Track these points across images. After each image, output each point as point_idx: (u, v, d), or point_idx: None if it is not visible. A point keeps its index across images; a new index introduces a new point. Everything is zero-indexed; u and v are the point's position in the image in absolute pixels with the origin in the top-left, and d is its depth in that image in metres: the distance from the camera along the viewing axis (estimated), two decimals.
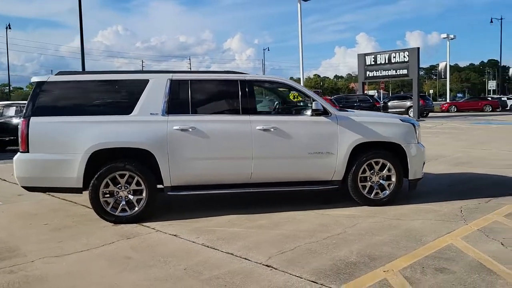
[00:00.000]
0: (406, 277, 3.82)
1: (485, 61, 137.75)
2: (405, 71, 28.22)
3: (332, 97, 31.88)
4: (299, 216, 5.90)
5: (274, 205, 6.39)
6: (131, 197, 5.71)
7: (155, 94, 5.80)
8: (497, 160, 10.52)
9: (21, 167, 5.58)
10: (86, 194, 5.80)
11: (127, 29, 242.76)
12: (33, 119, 5.54)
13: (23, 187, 5.74)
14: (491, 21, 61.54)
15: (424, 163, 6.67)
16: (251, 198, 6.79)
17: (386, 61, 28.66)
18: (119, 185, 5.68)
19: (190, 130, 5.74)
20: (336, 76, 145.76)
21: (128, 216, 5.68)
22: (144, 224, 5.63)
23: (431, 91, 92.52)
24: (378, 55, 29.23)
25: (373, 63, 29.34)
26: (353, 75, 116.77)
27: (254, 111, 6.07)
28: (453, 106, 39.79)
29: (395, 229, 5.21)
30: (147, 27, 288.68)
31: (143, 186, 5.68)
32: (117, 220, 5.66)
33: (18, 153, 5.62)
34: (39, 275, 4.06)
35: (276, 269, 4.09)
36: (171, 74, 5.98)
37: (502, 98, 44.40)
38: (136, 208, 5.70)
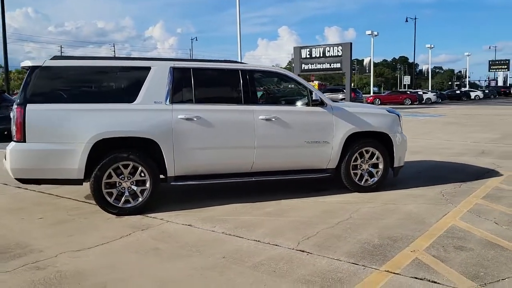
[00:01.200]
0: (434, 256, 4.14)
1: (397, 57, 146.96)
2: (338, 65, 29.35)
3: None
4: (298, 203, 6.08)
5: (270, 193, 6.51)
6: (134, 187, 5.55)
7: (158, 82, 5.65)
8: (443, 149, 11.44)
9: (16, 158, 5.19)
10: (60, 186, 5.53)
11: (38, 12, 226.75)
12: (29, 106, 5.17)
13: (17, 179, 5.34)
14: (406, 20, 65.70)
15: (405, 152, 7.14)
16: (247, 186, 6.87)
17: (321, 55, 29.64)
18: (122, 175, 5.49)
19: (195, 119, 5.68)
20: None
21: (131, 208, 5.51)
22: (149, 215, 5.50)
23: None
24: (313, 49, 30.13)
25: (308, 56, 30.19)
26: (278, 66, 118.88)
27: (256, 101, 6.14)
28: (378, 99, 42.21)
29: (396, 213, 5.57)
30: (61, 10, 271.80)
31: (147, 177, 5.54)
32: (120, 212, 5.48)
33: (13, 143, 5.22)
34: (73, 270, 3.86)
35: (311, 253, 4.23)
36: (172, 62, 5.86)
37: (419, 92, 47.88)
38: (140, 199, 5.55)
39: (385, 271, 3.81)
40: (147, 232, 4.88)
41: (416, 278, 3.66)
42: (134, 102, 5.54)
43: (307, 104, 6.30)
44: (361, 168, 6.63)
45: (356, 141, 6.51)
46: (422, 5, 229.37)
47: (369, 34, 44.37)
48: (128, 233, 4.84)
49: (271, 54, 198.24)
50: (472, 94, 57.14)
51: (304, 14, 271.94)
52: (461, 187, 6.97)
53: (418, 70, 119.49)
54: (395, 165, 6.82)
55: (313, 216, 5.48)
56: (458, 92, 59.30)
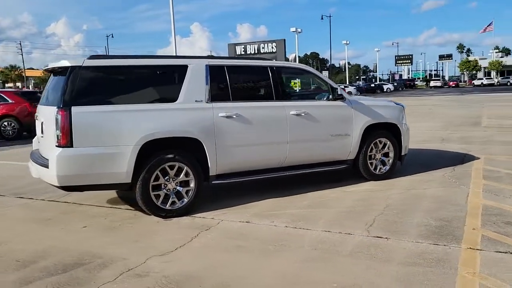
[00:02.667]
0: (496, 232, 4.58)
1: (308, 53, 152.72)
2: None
3: None
4: (329, 194, 6.31)
5: (294, 187, 6.64)
6: (179, 188, 5.43)
7: (196, 80, 5.56)
8: (414, 136, 12.29)
9: (64, 164, 4.84)
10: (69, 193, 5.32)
11: None
12: (75, 109, 4.85)
13: (62, 187, 4.98)
14: (322, 18, 68.60)
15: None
16: (271, 181, 6.93)
17: (256, 52, 30.13)
18: (167, 177, 5.35)
19: (234, 117, 5.68)
20: None
21: (178, 209, 5.39)
22: (195, 215, 5.42)
23: None
24: (248, 46, 30.54)
25: (243, 53, 30.54)
26: None
27: (286, 97, 6.26)
28: None
29: (425, 197, 5.99)
30: None
31: (191, 177, 5.45)
32: (168, 214, 5.34)
33: (58, 149, 4.85)
34: (178, 273, 3.76)
35: (389, 238, 4.48)
36: (206, 59, 5.79)
37: (341, 87, 50.34)
38: (186, 200, 5.45)
39: (469, 248, 4.16)
40: (213, 232, 4.82)
41: (499, 252, 4.05)
42: (177, 102, 5.42)
43: (331, 99, 6.54)
44: (375, 158, 7.02)
45: (371, 132, 6.87)
46: (328, 3, 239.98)
47: (293, 31, 45.80)
48: (195, 234, 4.75)
49: (185, 51, 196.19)
50: (385, 87, 61.25)
51: (215, 10, 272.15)
52: (456, 170, 7.64)
53: (329, 65, 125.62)
54: (402, 154, 7.30)
55: (352, 205, 5.73)
56: (372, 85, 63.23)
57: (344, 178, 7.10)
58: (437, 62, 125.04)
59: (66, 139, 4.81)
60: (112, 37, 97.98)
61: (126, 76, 5.33)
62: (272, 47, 29.83)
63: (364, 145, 6.81)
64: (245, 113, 5.76)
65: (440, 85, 78.25)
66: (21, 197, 6.64)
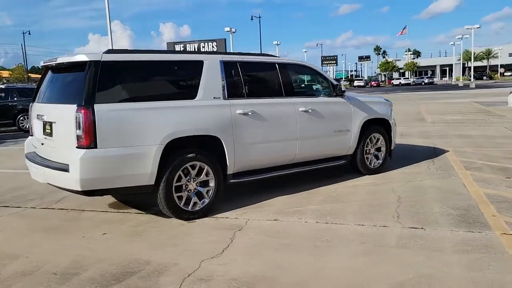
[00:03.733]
0: None
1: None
2: None
3: None
4: (336, 189, 6.40)
5: (301, 183, 6.64)
6: (200, 189, 5.22)
7: (212, 76, 5.38)
8: None
9: (88, 167, 4.45)
10: (64, 199, 4.99)
11: None
12: (97, 107, 4.48)
13: (83, 191, 4.56)
14: (252, 19, 69.14)
15: None
16: (273, 179, 6.85)
17: (196, 50, 29.68)
18: (188, 177, 5.13)
19: (250, 114, 5.57)
20: None
21: (199, 210, 5.19)
22: (217, 216, 5.25)
23: None
24: (188, 44, 30.07)
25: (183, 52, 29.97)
26: None
27: (294, 93, 6.24)
28: None
29: (427, 188, 6.26)
30: None
31: (211, 176, 5.26)
32: (191, 216, 5.12)
33: (81, 150, 4.45)
34: (243, 274, 3.62)
35: (424, 229, 4.62)
36: (220, 55, 5.61)
37: None
38: (207, 201, 5.25)
39: (503, 233, 4.42)
40: (248, 232, 4.69)
41: None
42: (196, 99, 5.21)
43: (332, 95, 6.63)
44: (370, 153, 7.22)
45: (367, 128, 7.06)
46: (251, 4, 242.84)
47: (227, 31, 45.68)
48: (231, 235, 4.59)
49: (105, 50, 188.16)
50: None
51: (136, 9, 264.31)
52: (436, 163, 8.06)
53: None
54: (391, 148, 7.59)
55: (365, 199, 5.83)
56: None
57: (338, 173, 7.22)
58: (356, 63, 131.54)
59: (90, 139, 4.43)
60: (29, 34, 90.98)
61: (145, 72, 5.02)
62: (213, 46, 29.63)
63: (361, 140, 6.98)
64: (260, 110, 5.67)
65: (363, 84, 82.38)
66: (6, 206, 6.02)
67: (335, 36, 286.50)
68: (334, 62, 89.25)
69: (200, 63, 5.34)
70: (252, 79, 5.92)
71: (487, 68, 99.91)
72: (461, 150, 9.33)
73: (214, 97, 5.33)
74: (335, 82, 6.74)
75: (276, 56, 6.37)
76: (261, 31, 71.29)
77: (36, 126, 5.33)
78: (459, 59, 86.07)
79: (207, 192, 5.26)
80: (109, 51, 4.83)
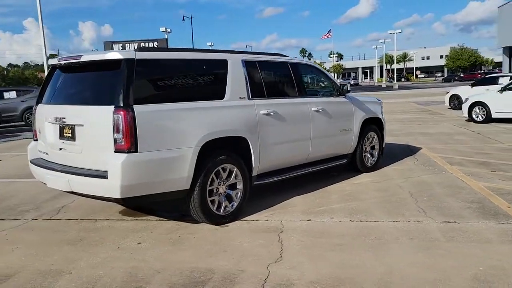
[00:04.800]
0: None
1: None
2: None
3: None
4: (344, 187, 6.48)
5: (303, 183, 6.62)
6: (229, 191, 5.06)
7: (237, 76, 5.23)
8: None
9: (130, 172, 4.11)
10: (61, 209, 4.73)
11: None
12: (137, 108, 4.17)
13: (123, 199, 4.21)
14: (183, 19, 68.12)
15: None
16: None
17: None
18: (219, 180, 4.94)
19: (272, 114, 5.49)
20: (10, 65, 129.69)
21: (230, 214, 5.02)
22: (245, 219, 5.11)
23: None
24: (126, 44, 28.94)
25: None
26: (32, 63, 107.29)
27: (306, 93, 6.24)
28: None
29: (429, 183, 6.52)
30: None
31: (239, 178, 5.12)
32: (223, 220, 4.94)
33: (120, 155, 4.11)
34: (323, 277, 3.54)
35: (458, 222, 4.80)
36: (240, 54, 5.47)
37: None
38: (235, 204, 5.09)
39: None
40: (291, 233, 4.59)
41: None
42: (225, 99, 5.03)
43: (336, 95, 6.72)
44: (367, 151, 7.41)
45: (365, 127, 7.23)
46: (176, 5, 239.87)
47: (163, 31, 44.64)
48: (276, 238, 4.47)
49: (18, 50, 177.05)
50: None
51: (52, 6, 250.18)
52: (419, 159, 8.43)
53: None
54: (383, 146, 7.84)
55: (380, 196, 5.95)
56: None
57: (335, 172, 7.31)
58: None
59: (130, 143, 4.11)
60: None
61: (178, 71, 4.75)
62: (154, 46, 28.75)
63: (361, 139, 7.13)
64: (280, 110, 5.60)
65: None
66: (1, 219, 5.43)
67: (260, 38, 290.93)
68: None
69: (224, 62, 5.16)
70: (270, 79, 5.83)
71: (404, 71, 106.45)
72: (432, 147, 9.85)
73: (240, 97, 5.18)
74: (337, 82, 6.83)
75: (286, 56, 6.32)
76: (193, 32, 70.22)
77: (49, 130, 4.86)
78: (380, 62, 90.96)
79: (236, 194, 5.10)
80: (141, 49, 4.51)
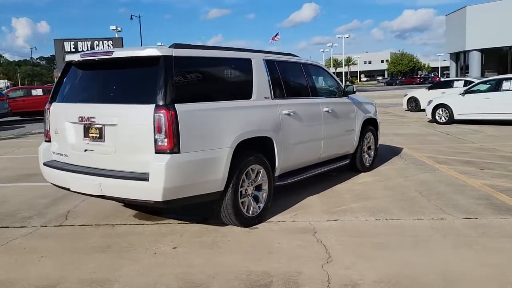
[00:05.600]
0: None
1: None
2: None
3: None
4: (351, 186, 6.56)
5: (308, 185, 6.63)
6: (256, 193, 4.97)
7: (260, 75, 5.14)
8: None
9: (173, 174, 3.91)
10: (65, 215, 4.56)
11: None
12: (179, 107, 3.98)
13: (164, 202, 4.00)
14: (131, 18, 66.40)
15: None
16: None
17: (89, 48, 27.62)
18: (248, 181, 4.84)
19: (292, 114, 5.45)
20: None
21: (257, 216, 4.93)
22: (270, 221, 5.03)
23: None
24: (79, 42, 27.76)
25: (73, 50, 27.65)
26: None
27: (317, 94, 6.25)
28: None
29: (431, 182, 6.70)
30: None
31: (265, 178, 5.04)
32: (251, 222, 4.83)
33: (163, 156, 3.90)
34: (389, 276, 3.54)
35: (478, 218, 4.97)
36: (260, 53, 5.38)
37: None
38: (262, 205, 5.00)
39: None
40: (326, 234, 4.55)
41: None
42: (252, 98, 4.93)
43: (341, 96, 6.79)
44: (365, 151, 7.53)
45: (363, 127, 7.36)
46: (117, 3, 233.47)
47: (113, 30, 43.17)
48: (313, 239, 4.41)
49: None
50: None
51: None
52: (407, 159, 8.66)
53: None
54: (377, 146, 8.01)
55: (390, 194, 6.03)
56: None
57: (334, 173, 7.38)
58: None
59: (173, 143, 3.92)
60: None
61: (211, 69, 4.61)
62: (109, 45, 27.80)
63: (361, 139, 7.25)
64: (298, 110, 5.57)
65: None
66: (5, 227, 5.01)
67: (206, 39, 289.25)
68: None
69: (249, 61, 5.06)
70: (287, 79, 5.77)
71: (348, 74, 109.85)
72: (411, 147, 10.18)
73: (265, 97, 5.10)
74: (341, 83, 6.90)
75: (298, 56, 6.30)
76: (141, 31, 68.23)
77: (70, 131, 4.53)
78: (326, 65, 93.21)
79: (262, 195, 5.01)
80: (177, 46, 4.31)
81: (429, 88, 19.85)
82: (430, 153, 9.29)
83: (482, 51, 26.06)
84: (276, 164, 5.19)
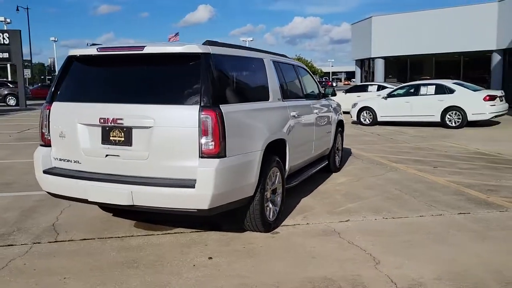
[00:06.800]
0: (505, 196, 6.15)
1: None
2: (6, 55, 25.41)
3: None
4: (333, 187, 6.68)
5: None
6: (273, 196, 4.84)
7: (273, 76, 5.04)
8: None
9: (221, 180, 3.64)
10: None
11: None
12: (225, 108, 3.73)
13: (209, 209, 3.69)
14: (17, 9, 60.87)
15: None
16: None
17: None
18: (269, 184, 4.70)
19: (297, 116, 5.43)
20: None
21: (274, 220, 4.80)
22: (285, 224, 4.95)
23: None
24: None
25: None
26: None
27: (308, 95, 6.27)
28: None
29: (401, 180, 7.10)
30: None
31: (280, 181, 4.94)
32: (272, 226, 4.70)
33: (211, 160, 3.61)
34: (452, 273, 3.68)
35: (468, 213, 5.40)
36: (266, 54, 5.26)
37: None
38: (277, 208, 4.89)
39: None
40: (350, 235, 4.56)
41: None
42: (270, 100, 4.80)
43: (321, 97, 6.90)
44: (335, 152, 7.73)
45: (336, 129, 7.54)
46: None
47: (1, 21, 39.09)
48: (340, 241, 4.42)
49: None
50: None
51: None
52: (364, 160, 9.06)
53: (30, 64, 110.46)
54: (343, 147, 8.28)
55: (375, 194, 6.22)
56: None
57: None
58: None
59: (220, 146, 3.65)
60: None
61: (240, 68, 4.39)
62: (4, 38, 25.09)
63: (335, 140, 7.43)
64: (300, 112, 5.56)
65: None
66: (12, 245, 4.28)
67: (95, 36, 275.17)
68: None
69: (262, 62, 4.92)
70: (288, 80, 5.70)
71: None
72: (356, 147, 10.69)
73: (278, 99, 5.00)
74: (319, 86, 7.02)
75: (289, 58, 6.26)
76: (29, 24, 61.80)
77: (83, 134, 3.98)
78: None
79: (277, 199, 4.89)
80: (210, 43, 4.01)
81: (346, 91, 21.00)
82: (378, 153, 9.81)
83: (385, 58, 28.28)
84: (286, 166, 5.11)
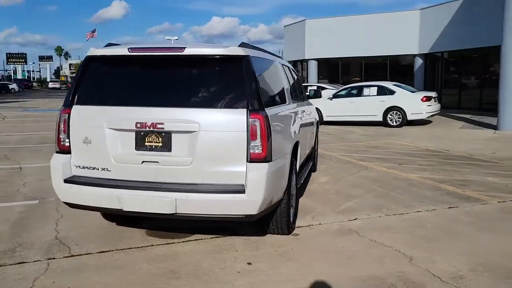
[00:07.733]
0: (476, 190, 6.67)
1: None
2: None
3: None
4: (325, 187, 6.85)
5: None
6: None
7: (285, 79, 5.10)
8: None
9: (270, 184, 3.58)
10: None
11: None
12: (269, 111, 3.69)
13: (257, 214, 3.60)
14: None
15: None
16: None
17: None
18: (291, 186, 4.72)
19: (301, 117, 5.52)
20: None
21: (293, 222, 4.82)
22: (299, 226, 4.98)
23: None
24: None
25: None
26: None
27: (303, 97, 6.35)
28: None
29: (380, 178, 7.42)
30: None
31: (295, 183, 4.96)
32: (292, 228, 4.72)
33: (260, 164, 3.55)
34: (478, 266, 3.93)
35: (457, 206, 5.81)
36: (276, 57, 5.26)
37: None
38: (293, 211, 4.92)
39: (499, 202, 6.05)
40: (369, 234, 4.68)
41: None
42: (287, 103, 4.80)
43: (306, 99, 7.02)
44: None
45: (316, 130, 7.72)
46: None
47: None
48: (362, 240, 4.54)
49: None
50: (10, 87, 55.54)
51: None
52: (332, 159, 9.38)
53: None
54: (317, 147, 8.46)
55: (364, 192, 6.45)
56: None
57: None
58: (38, 63, 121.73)
59: (267, 151, 3.60)
60: None
61: (270, 72, 4.34)
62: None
63: (315, 141, 7.59)
64: (301, 113, 5.64)
65: (59, 86, 77.90)
66: (24, 262, 3.85)
67: None
68: (23, 60, 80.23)
69: (278, 65, 4.93)
70: (291, 82, 5.73)
71: None
72: (321, 146, 10.98)
73: (291, 101, 5.03)
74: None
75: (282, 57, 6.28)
76: None
77: (113, 139, 3.70)
78: None
79: (293, 200, 4.92)
80: (245, 45, 3.92)
81: None
82: (339, 152, 10.17)
83: (318, 60, 29.25)
84: (297, 168, 5.15)
